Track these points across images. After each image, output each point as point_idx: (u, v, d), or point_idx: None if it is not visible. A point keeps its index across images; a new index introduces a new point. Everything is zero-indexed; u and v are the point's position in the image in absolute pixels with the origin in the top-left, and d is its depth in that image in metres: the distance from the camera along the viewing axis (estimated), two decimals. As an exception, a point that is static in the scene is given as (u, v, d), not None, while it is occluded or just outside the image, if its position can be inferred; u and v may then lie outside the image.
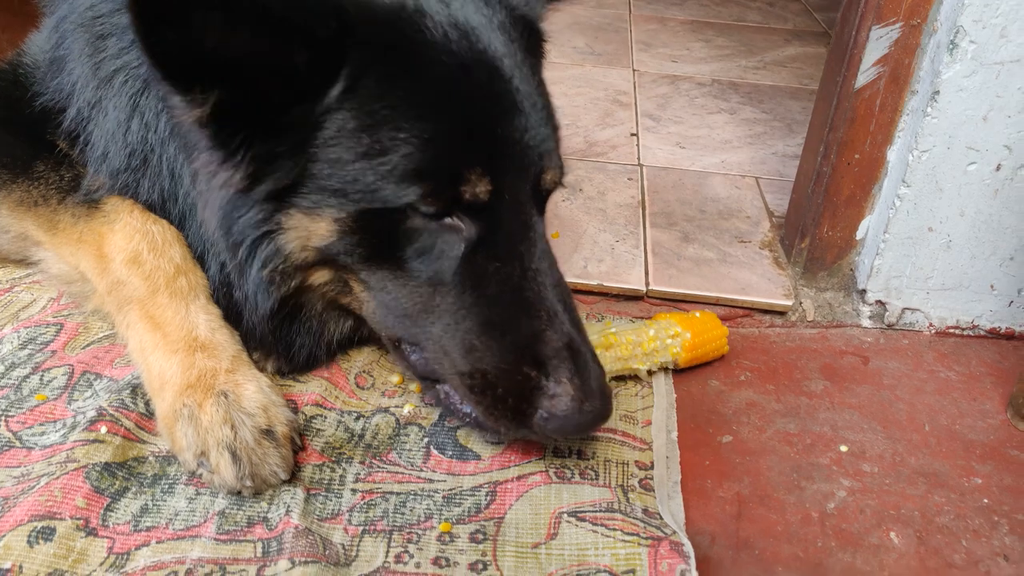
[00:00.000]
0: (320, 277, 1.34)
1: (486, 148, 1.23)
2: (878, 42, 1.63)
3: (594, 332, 1.51)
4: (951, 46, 1.54)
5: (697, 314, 1.66)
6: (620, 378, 1.56)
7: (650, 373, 1.57)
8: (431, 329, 1.28)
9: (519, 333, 1.23)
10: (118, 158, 1.45)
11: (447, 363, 1.28)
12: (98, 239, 1.45)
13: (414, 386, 1.50)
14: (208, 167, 1.26)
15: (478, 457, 1.37)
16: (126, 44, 1.41)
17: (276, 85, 1.16)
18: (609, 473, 1.35)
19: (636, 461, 1.38)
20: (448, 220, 1.22)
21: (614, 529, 1.23)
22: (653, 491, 1.32)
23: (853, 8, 1.70)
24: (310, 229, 1.25)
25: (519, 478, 1.33)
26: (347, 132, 1.19)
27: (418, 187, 1.18)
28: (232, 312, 1.43)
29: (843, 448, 1.50)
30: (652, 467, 1.37)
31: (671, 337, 1.58)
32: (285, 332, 1.42)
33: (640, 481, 1.34)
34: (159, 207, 1.46)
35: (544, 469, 1.34)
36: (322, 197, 1.22)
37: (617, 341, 1.54)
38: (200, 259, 1.46)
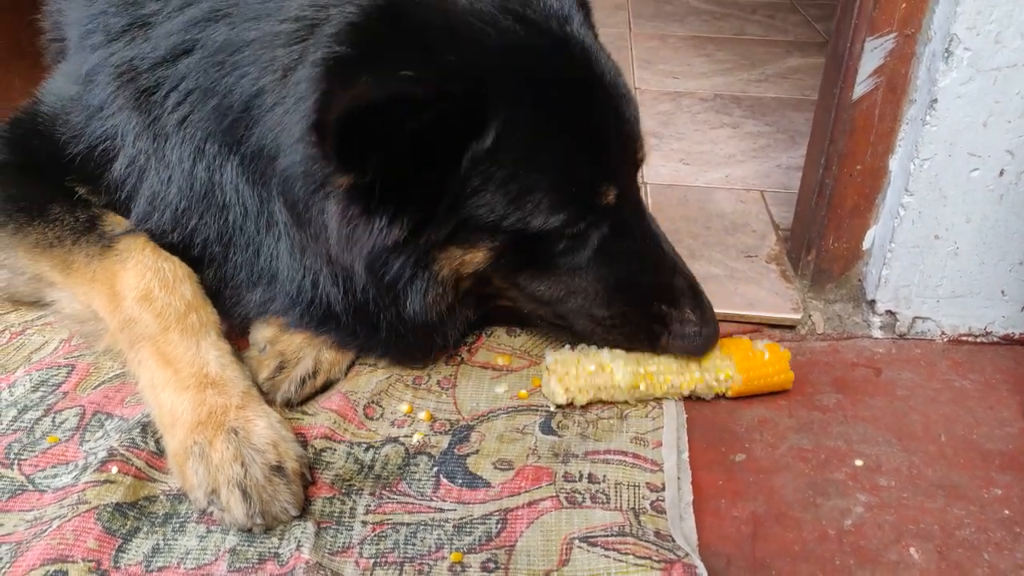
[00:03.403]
0: (466, 283, 1.49)
1: (610, 160, 1.41)
2: (873, 53, 1.63)
3: (629, 370, 1.51)
4: (946, 54, 1.53)
5: (767, 353, 1.58)
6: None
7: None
8: (569, 303, 1.50)
9: (651, 284, 1.50)
10: (182, 199, 1.49)
11: (584, 318, 1.52)
12: (110, 277, 1.48)
13: (423, 415, 1.50)
14: (346, 220, 1.34)
15: (488, 485, 1.36)
16: (181, 98, 1.44)
17: (426, 154, 1.26)
18: (620, 496, 1.34)
19: (647, 483, 1.37)
20: (584, 225, 1.41)
21: (626, 553, 1.22)
22: (665, 513, 1.31)
23: (846, 20, 1.70)
24: (464, 259, 1.41)
25: (529, 504, 1.32)
26: (496, 181, 1.32)
27: (561, 215, 1.36)
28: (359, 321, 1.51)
29: (858, 462, 1.48)
30: (663, 489, 1.36)
31: (717, 380, 1.55)
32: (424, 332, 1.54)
33: (652, 503, 1.33)
34: (219, 239, 1.51)
35: (555, 494, 1.34)
36: (475, 234, 1.38)
37: (653, 381, 1.52)
38: (293, 284, 1.50)
